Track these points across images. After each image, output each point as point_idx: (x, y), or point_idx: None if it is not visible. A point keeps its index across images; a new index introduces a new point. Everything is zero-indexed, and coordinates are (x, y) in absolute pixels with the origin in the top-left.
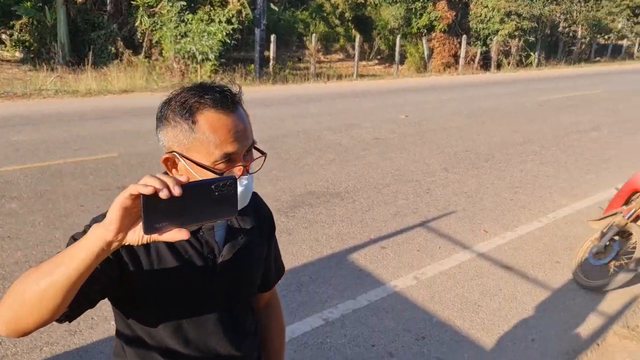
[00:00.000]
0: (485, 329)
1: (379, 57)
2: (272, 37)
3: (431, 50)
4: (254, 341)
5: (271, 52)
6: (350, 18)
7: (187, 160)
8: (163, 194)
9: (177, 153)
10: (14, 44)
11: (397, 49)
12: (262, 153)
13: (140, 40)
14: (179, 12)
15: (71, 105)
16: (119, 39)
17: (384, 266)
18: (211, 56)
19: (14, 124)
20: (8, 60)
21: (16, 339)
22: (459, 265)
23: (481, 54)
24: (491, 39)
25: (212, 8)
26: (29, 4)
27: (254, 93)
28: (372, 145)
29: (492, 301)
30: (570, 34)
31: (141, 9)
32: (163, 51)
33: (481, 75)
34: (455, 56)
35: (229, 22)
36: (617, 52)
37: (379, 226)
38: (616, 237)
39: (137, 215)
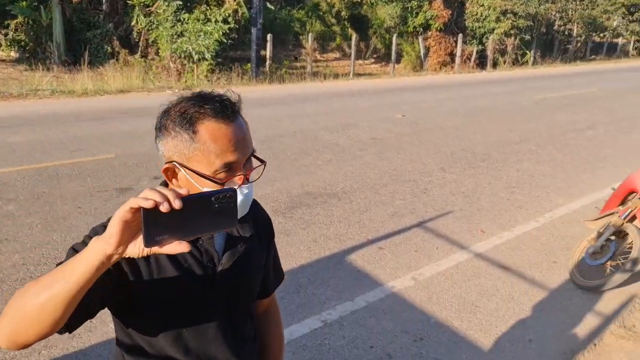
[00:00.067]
0: (483, 329)
1: (375, 56)
2: (269, 37)
3: (427, 49)
4: (254, 347)
5: (268, 52)
6: (346, 17)
7: (187, 170)
8: (163, 208)
9: (178, 163)
10: (9, 43)
11: (394, 47)
12: (262, 161)
13: (137, 40)
14: (175, 12)
15: (67, 105)
16: (115, 38)
17: (382, 267)
18: (207, 56)
19: (10, 125)
20: (3, 60)
21: None
22: (457, 265)
23: (477, 52)
24: (487, 38)
25: (208, 7)
26: (24, 3)
27: (251, 93)
28: (369, 145)
29: (490, 301)
30: (566, 32)
31: (137, 8)
32: (159, 51)
33: (477, 73)
34: (452, 55)
35: (225, 21)
36: (612, 50)
37: (376, 227)
38: (612, 237)
39: (138, 228)
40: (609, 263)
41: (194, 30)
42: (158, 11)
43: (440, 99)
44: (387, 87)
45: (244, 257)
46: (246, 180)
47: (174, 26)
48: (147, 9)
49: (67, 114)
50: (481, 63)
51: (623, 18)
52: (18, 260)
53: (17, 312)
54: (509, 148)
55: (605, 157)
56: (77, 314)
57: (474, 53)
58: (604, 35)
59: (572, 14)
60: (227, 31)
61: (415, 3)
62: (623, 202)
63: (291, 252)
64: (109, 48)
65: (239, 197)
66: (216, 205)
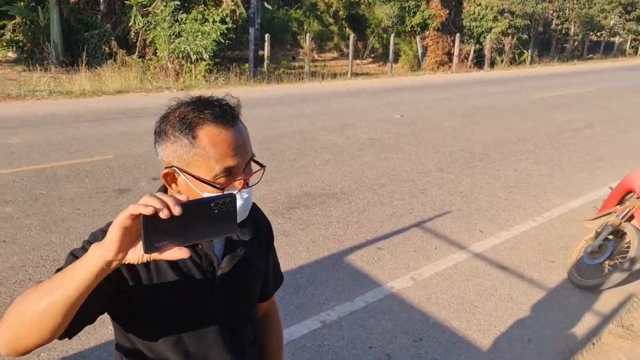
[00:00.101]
0: (482, 329)
1: (372, 55)
2: (267, 37)
3: (425, 49)
4: (254, 351)
5: (266, 52)
6: (344, 16)
7: (187, 175)
8: (163, 214)
9: (177, 168)
10: (6, 44)
11: (391, 47)
12: (261, 165)
13: (134, 40)
14: (172, 12)
15: (65, 106)
16: (112, 38)
17: (381, 267)
18: (205, 56)
19: (8, 126)
20: (0, 61)
21: None
22: (455, 265)
23: (475, 52)
24: (484, 37)
25: (206, 8)
26: (22, 3)
27: (249, 93)
28: (368, 146)
29: (489, 301)
30: (563, 32)
31: (135, 8)
32: (157, 51)
33: (475, 73)
34: (449, 54)
35: (223, 21)
36: (609, 49)
37: (375, 227)
38: (610, 237)
39: (137, 235)
40: (607, 262)
41: (192, 30)
42: (156, 11)
43: (438, 99)
44: (385, 87)
45: (244, 261)
46: (246, 185)
47: (171, 26)
48: (144, 9)
49: (65, 114)
50: (479, 62)
51: (620, 17)
52: (17, 262)
53: (17, 319)
54: (507, 148)
55: (602, 157)
56: (76, 320)
57: (472, 52)
58: (601, 34)
59: (569, 13)
60: (225, 31)
61: (413, 2)
62: (621, 202)
63: (290, 253)
64: (106, 48)
65: (239, 202)
66: (216, 211)
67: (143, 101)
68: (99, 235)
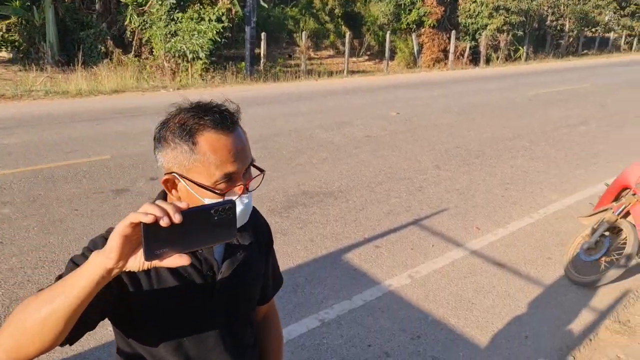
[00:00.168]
0: (480, 326)
1: (368, 53)
2: (263, 35)
3: (420, 46)
4: (254, 354)
5: (262, 50)
6: (339, 14)
7: (187, 181)
8: (163, 222)
9: (177, 174)
10: (1, 43)
11: (387, 44)
12: (261, 170)
13: (130, 39)
14: (168, 11)
15: (62, 106)
16: (108, 38)
17: (379, 265)
18: (202, 55)
19: (5, 127)
20: None
21: None
22: (453, 263)
23: (470, 48)
24: (480, 34)
25: (201, 6)
26: (16, 3)
27: (245, 92)
28: (364, 143)
29: (486, 298)
30: (558, 28)
31: (130, 7)
32: (153, 50)
33: (470, 70)
34: (445, 51)
35: (219, 20)
36: (604, 45)
37: (372, 225)
38: (607, 233)
39: (138, 242)
40: (603, 259)
41: (188, 29)
42: (151, 10)
43: (434, 96)
44: (381, 84)
45: (244, 265)
46: (246, 190)
47: (167, 25)
48: (140, 9)
49: (61, 114)
50: (474, 59)
51: (614, 13)
52: (15, 263)
53: (18, 327)
54: (503, 145)
55: (597, 153)
56: (77, 327)
57: (467, 49)
58: (596, 30)
59: (564, 9)
60: (221, 30)
61: (409, 0)
62: (617, 198)
63: (288, 252)
64: (102, 48)
65: (239, 207)
66: (215, 218)
67: (139, 100)
68: (99, 242)
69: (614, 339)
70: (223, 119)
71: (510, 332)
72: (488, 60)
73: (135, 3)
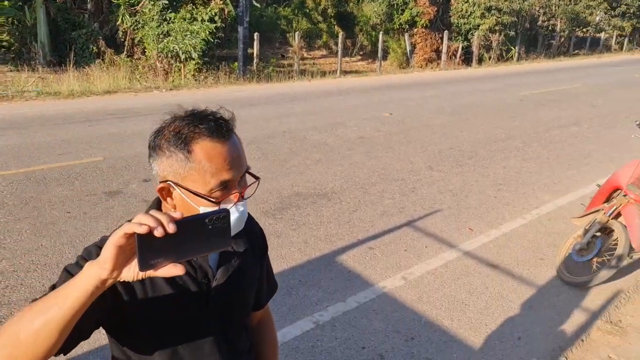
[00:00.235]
0: (473, 328)
1: (361, 53)
2: (256, 35)
3: (413, 46)
4: (249, 359)
5: (255, 50)
6: (332, 14)
7: (182, 190)
8: (158, 233)
9: (173, 182)
10: None
11: (380, 45)
12: (256, 178)
13: (122, 40)
14: (160, 11)
15: (54, 107)
16: (100, 38)
17: (372, 267)
18: (194, 55)
19: None
20: None
21: None
22: (446, 264)
23: (463, 49)
24: (472, 34)
25: (194, 7)
26: (7, 3)
27: (238, 92)
28: (358, 145)
29: (479, 300)
30: (550, 28)
31: (122, 7)
32: (146, 50)
33: (463, 70)
34: (437, 51)
35: (211, 20)
36: (595, 45)
37: (366, 226)
38: (598, 234)
39: (132, 252)
40: (595, 259)
41: (181, 29)
42: (144, 10)
43: (426, 97)
44: (374, 84)
45: (239, 272)
46: (241, 198)
47: (160, 25)
48: (132, 8)
49: (53, 116)
50: (467, 59)
51: (605, 13)
52: (7, 267)
53: (12, 338)
54: (496, 145)
55: (589, 154)
56: (72, 336)
57: (460, 49)
58: (587, 30)
59: (555, 10)
60: (214, 30)
61: (401, 0)
62: (608, 199)
63: (282, 254)
64: (94, 48)
65: (235, 215)
66: (210, 227)
67: (132, 101)
68: (93, 251)
69: (605, 339)
70: (218, 127)
71: (503, 333)
72: (480, 61)
73: (127, 3)
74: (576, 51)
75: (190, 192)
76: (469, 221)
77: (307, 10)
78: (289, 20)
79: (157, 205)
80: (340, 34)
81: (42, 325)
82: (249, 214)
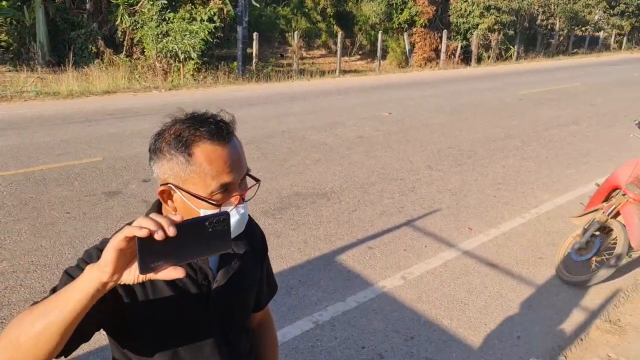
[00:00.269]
0: (472, 327)
1: (360, 52)
2: (255, 35)
3: (412, 45)
4: None
5: (254, 50)
6: (331, 14)
7: (183, 192)
8: (158, 236)
9: (173, 185)
10: None
11: (379, 44)
12: (256, 180)
13: (121, 39)
14: (160, 11)
15: (53, 107)
16: (99, 38)
17: (372, 266)
18: (193, 55)
19: None
20: None
21: None
22: (445, 263)
23: (462, 48)
24: (471, 33)
25: (193, 6)
26: (5, 3)
27: (237, 92)
28: (357, 144)
29: (478, 299)
30: (548, 27)
31: (121, 7)
32: (145, 50)
33: (462, 69)
34: (436, 51)
35: (210, 20)
36: (594, 44)
37: (365, 226)
38: (597, 233)
39: (132, 256)
40: (594, 259)
41: (180, 29)
42: (143, 10)
43: (425, 96)
44: (373, 84)
45: (239, 274)
46: (242, 200)
47: (159, 25)
48: (131, 8)
49: (52, 116)
50: (466, 59)
51: (604, 12)
52: (7, 268)
53: (13, 342)
54: (495, 145)
55: (588, 153)
56: (73, 339)
57: (459, 49)
58: (586, 29)
59: (554, 9)
60: (213, 30)
61: None
62: (607, 199)
63: (282, 254)
64: (93, 48)
65: (236, 217)
66: (210, 230)
67: (131, 101)
68: (94, 254)
69: (604, 338)
70: (219, 129)
71: (502, 332)
72: (479, 60)
73: (126, 3)
74: (575, 50)
75: (191, 194)
76: (468, 220)
77: (306, 10)
78: (288, 19)
79: (158, 207)
80: (340, 34)
81: (43, 328)
82: (249, 215)
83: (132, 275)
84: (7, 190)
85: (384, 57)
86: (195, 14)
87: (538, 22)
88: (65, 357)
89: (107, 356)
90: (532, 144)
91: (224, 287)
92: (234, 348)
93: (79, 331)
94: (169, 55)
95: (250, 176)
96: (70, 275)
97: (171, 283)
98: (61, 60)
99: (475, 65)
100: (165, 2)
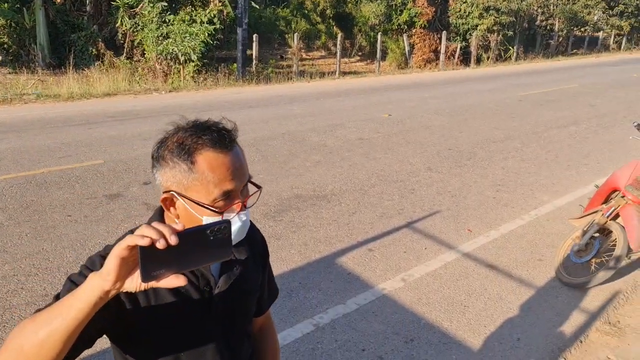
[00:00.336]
0: (472, 329)
1: (360, 53)
2: (255, 37)
3: (412, 47)
4: None
5: (254, 51)
6: (331, 15)
7: (186, 200)
8: (160, 244)
9: (176, 193)
10: None
11: (379, 45)
12: (258, 187)
13: (122, 42)
14: (160, 13)
15: (54, 110)
16: (99, 40)
17: (372, 269)
18: (193, 57)
19: None
20: None
21: None
22: (445, 265)
23: (461, 49)
24: (470, 34)
25: (193, 8)
26: (5, 5)
27: (237, 94)
28: (357, 146)
29: (478, 301)
30: (548, 28)
31: (121, 9)
32: (145, 52)
33: (461, 70)
34: (436, 52)
35: (210, 22)
36: (593, 45)
37: (365, 228)
38: (596, 235)
39: (135, 264)
40: (593, 260)
41: (180, 31)
42: (143, 12)
43: (425, 98)
44: (373, 85)
45: (240, 280)
46: (244, 207)
47: (159, 28)
48: (131, 10)
49: (53, 119)
50: (465, 59)
51: (603, 12)
52: (8, 271)
53: (16, 350)
54: (494, 146)
55: (588, 154)
56: (75, 346)
57: (458, 50)
58: (585, 30)
59: (553, 9)
60: (213, 32)
61: (400, 0)
62: (606, 200)
63: (282, 257)
64: (93, 50)
65: (237, 224)
66: (211, 238)
67: (132, 103)
68: (97, 261)
69: (604, 340)
70: (221, 137)
71: (502, 334)
72: (479, 61)
73: (126, 5)
74: (574, 51)
75: (194, 202)
76: (468, 222)
77: (306, 11)
78: (288, 21)
79: (160, 214)
80: (339, 35)
81: (46, 336)
82: (250, 221)
83: (134, 283)
84: (9, 193)
85: (383, 58)
86: (195, 16)
87: (537, 22)
88: None
89: (109, 359)
90: (531, 145)
91: (225, 293)
92: (236, 353)
93: (81, 338)
94: (169, 57)
95: (252, 183)
96: (73, 283)
97: (173, 289)
98: (61, 63)
99: (474, 66)
100: (166, 4)
